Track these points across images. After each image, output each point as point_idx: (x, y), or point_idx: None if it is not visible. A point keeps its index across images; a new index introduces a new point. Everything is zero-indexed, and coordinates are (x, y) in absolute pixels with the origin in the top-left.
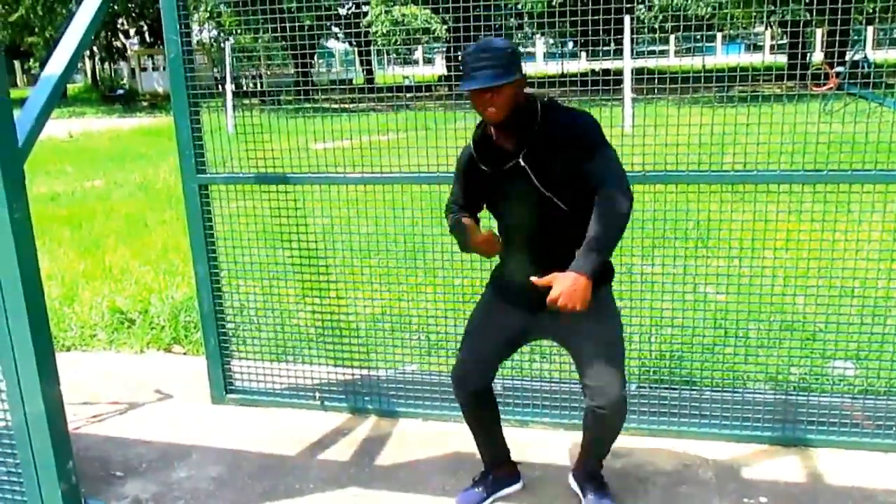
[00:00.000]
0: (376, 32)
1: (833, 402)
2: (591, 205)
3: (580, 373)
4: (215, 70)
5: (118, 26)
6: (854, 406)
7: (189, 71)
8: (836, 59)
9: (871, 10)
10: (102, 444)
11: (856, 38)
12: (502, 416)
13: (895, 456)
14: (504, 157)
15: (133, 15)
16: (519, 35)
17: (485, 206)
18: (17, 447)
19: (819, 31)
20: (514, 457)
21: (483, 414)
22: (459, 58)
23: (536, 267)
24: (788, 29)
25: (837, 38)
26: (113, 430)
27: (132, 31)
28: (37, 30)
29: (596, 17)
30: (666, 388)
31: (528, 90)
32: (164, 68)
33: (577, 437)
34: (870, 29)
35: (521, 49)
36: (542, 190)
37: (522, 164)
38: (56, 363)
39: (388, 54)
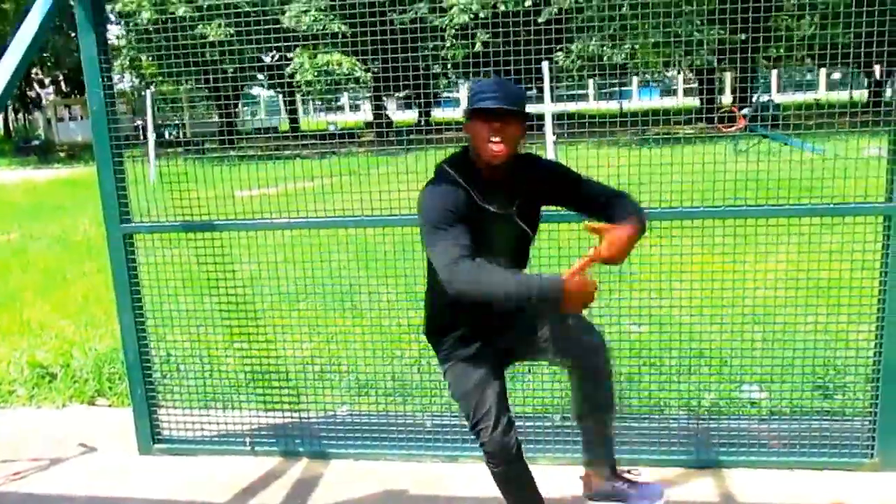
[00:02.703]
0: (300, 82)
1: (742, 424)
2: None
3: (561, 347)
4: (137, 119)
5: (33, 76)
6: (762, 427)
7: (112, 122)
8: (743, 102)
9: (774, 56)
10: (24, 502)
11: (761, 81)
12: (433, 452)
13: (799, 472)
14: (499, 199)
15: (49, 64)
16: (442, 82)
17: None
18: None
19: (728, 76)
20: (444, 491)
21: (526, 466)
22: (469, 88)
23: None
24: (699, 76)
25: (741, 84)
26: (34, 486)
27: (47, 81)
28: None
29: (509, 67)
30: None
31: None
32: (82, 118)
33: None
34: (774, 73)
35: (445, 95)
36: (525, 229)
37: (517, 216)
38: None
39: (313, 101)
